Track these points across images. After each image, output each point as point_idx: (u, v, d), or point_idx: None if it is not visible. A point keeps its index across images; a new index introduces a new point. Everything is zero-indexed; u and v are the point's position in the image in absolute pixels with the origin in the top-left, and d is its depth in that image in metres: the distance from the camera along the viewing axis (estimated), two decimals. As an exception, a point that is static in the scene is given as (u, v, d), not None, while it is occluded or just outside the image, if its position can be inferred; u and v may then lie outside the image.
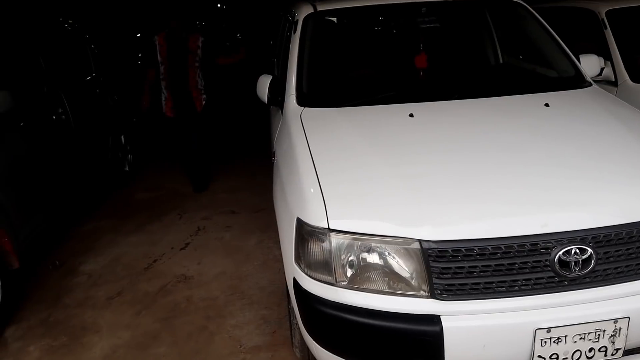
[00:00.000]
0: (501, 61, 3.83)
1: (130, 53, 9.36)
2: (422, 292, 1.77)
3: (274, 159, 2.77)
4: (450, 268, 1.73)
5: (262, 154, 6.08)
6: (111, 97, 5.29)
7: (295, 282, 1.99)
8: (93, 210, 4.79)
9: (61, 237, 4.24)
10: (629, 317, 1.74)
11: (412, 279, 1.77)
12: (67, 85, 4.34)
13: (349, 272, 1.83)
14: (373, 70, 3.21)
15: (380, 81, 3.05)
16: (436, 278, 1.74)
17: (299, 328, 2.20)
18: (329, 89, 2.93)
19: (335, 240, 1.82)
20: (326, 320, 1.86)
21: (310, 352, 2.22)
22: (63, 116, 4.07)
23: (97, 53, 5.26)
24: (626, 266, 1.79)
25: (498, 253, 1.72)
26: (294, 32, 3.05)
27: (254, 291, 3.24)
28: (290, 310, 2.46)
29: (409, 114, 2.41)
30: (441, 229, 1.75)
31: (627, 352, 1.84)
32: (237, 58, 5.61)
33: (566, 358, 1.76)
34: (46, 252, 3.99)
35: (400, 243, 1.77)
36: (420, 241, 1.74)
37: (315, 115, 2.56)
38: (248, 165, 5.84)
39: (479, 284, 1.74)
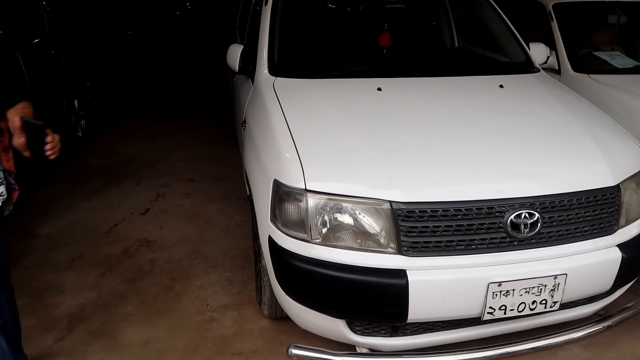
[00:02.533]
0: (457, 44, 4.05)
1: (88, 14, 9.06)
2: (389, 249, 1.95)
3: (244, 126, 2.87)
4: (416, 227, 1.92)
5: (215, 121, 6.16)
6: (66, 60, 5.17)
7: (270, 239, 2.12)
8: (46, 176, 4.71)
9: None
10: (566, 274, 1.99)
11: (382, 237, 1.95)
12: (22, 44, 4.23)
13: (323, 230, 1.98)
14: (341, 46, 3.34)
15: (348, 56, 3.19)
16: (404, 236, 1.92)
17: (269, 286, 2.34)
18: (300, 61, 3.04)
19: (311, 200, 1.97)
20: (300, 274, 2.02)
21: (279, 309, 2.38)
22: (19, 75, 3.98)
23: (51, 12, 5.11)
24: (566, 230, 2.03)
25: (459, 215, 1.92)
26: (265, 3, 3.13)
27: (217, 255, 3.35)
28: (259, 270, 2.60)
29: (377, 87, 2.56)
30: (410, 192, 1.92)
31: (563, 306, 2.10)
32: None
33: (512, 309, 1.99)
34: None
35: (372, 204, 1.93)
36: (390, 202, 1.91)
37: (288, 85, 2.67)
38: (204, 134, 5.87)
39: (441, 242, 1.93)
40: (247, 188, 3.06)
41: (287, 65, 2.90)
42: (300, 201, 1.98)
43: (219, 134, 5.85)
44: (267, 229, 2.14)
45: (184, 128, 6.17)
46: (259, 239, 2.37)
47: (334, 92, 2.57)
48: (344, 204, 1.96)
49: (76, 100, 5.41)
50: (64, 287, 3.04)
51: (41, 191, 4.38)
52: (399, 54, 3.29)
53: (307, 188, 1.97)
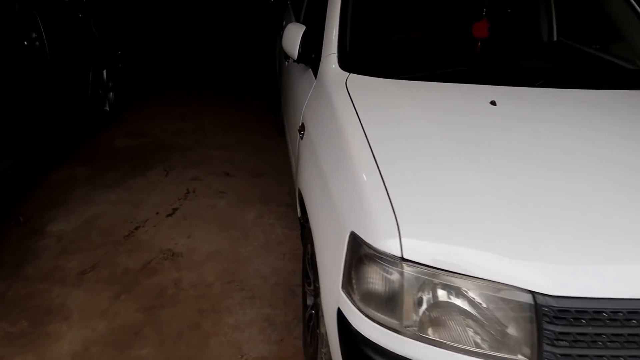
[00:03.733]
0: (556, 39, 3.31)
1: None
2: (521, 357, 1.31)
3: (301, 134, 2.23)
4: (569, 334, 1.27)
5: (257, 102, 5.54)
6: (96, 24, 4.58)
7: (340, 315, 1.50)
8: (67, 154, 4.19)
9: (29, 183, 3.66)
10: None
11: (512, 340, 1.31)
12: (44, 4, 3.64)
13: (423, 318, 1.35)
14: (427, 33, 2.65)
15: (439, 49, 2.50)
16: (548, 344, 1.27)
17: (329, 360, 1.73)
18: (380, 52, 2.37)
19: (409, 272, 1.34)
20: (383, 377, 1.40)
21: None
22: (37, 42, 3.41)
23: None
24: None
25: (634, 319, 1.26)
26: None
27: (255, 281, 2.76)
28: (312, 327, 2.00)
29: (490, 101, 1.89)
30: (565, 279, 1.27)
31: None
32: None
33: None
34: (11, 201, 3.41)
35: (503, 291, 1.29)
36: (533, 293, 1.26)
37: (367, 86, 2.02)
38: (243, 118, 5.26)
39: (602, 357, 1.28)
40: (298, 209, 2.44)
41: (364, 57, 2.25)
42: (391, 273, 1.35)
43: (260, 118, 5.23)
44: (336, 297, 1.52)
45: (222, 107, 5.58)
46: (318, 295, 1.76)
47: (431, 105, 1.90)
48: (458, 284, 1.33)
49: (105, 70, 4.84)
50: (70, 310, 2.50)
51: (60, 174, 3.86)
52: (501, 50, 2.58)
53: (404, 256, 1.33)
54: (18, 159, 3.24)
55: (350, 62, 2.16)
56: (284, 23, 4.17)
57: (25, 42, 3.24)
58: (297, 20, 3.41)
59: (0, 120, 2.99)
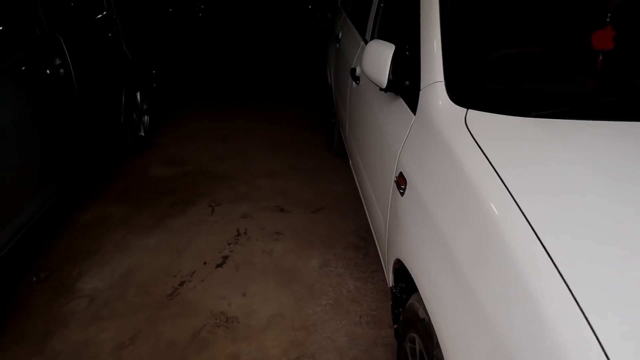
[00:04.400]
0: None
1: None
2: None
3: (402, 189, 1.69)
4: None
5: (302, 118, 5.03)
6: (127, 43, 4.14)
7: None
8: (99, 188, 3.75)
9: (55, 227, 3.22)
10: None
11: None
12: (68, 26, 3.21)
13: None
14: (543, 48, 2.07)
15: (573, 69, 1.92)
16: None
17: None
18: (501, 78, 1.81)
19: None
20: None
21: None
22: (61, 69, 2.96)
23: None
24: None
25: None
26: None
27: (329, 355, 2.23)
28: None
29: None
30: None
31: None
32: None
33: None
34: (34, 251, 2.98)
35: None
36: None
37: (498, 130, 1.46)
38: (289, 137, 4.75)
39: None
40: (389, 279, 1.91)
41: (482, 85, 1.70)
42: None
43: (309, 137, 4.72)
44: None
45: (264, 125, 5.09)
46: None
47: (604, 159, 1.33)
48: None
49: (139, 92, 4.39)
50: (105, 404, 2.02)
51: (91, 213, 3.41)
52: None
53: None
54: (40, 203, 2.79)
55: (465, 94, 1.61)
56: (338, 34, 3.65)
57: (48, 71, 2.79)
58: (362, 33, 2.88)
59: (16, 161, 2.54)
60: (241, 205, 3.52)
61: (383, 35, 2.52)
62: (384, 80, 1.81)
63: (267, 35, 10.05)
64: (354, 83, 2.69)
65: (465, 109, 1.55)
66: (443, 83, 1.65)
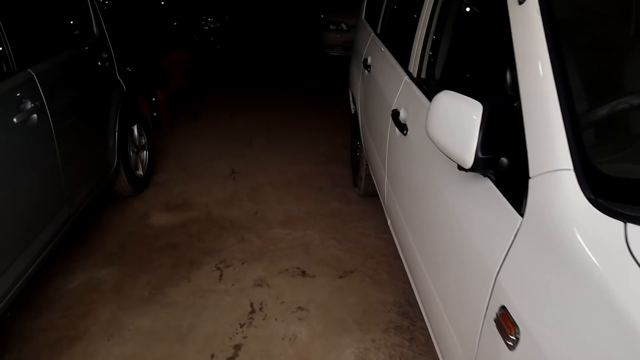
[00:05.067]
0: None
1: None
2: None
3: (512, 339, 1.10)
4: None
5: (316, 147, 4.37)
6: (122, 71, 3.60)
7: None
8: (88, 242, 3.19)
9: (34, 299, 2.67)
10: None
11: None
12: (45, 59, 2.66)
13: None
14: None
15: None
16: None
17: None
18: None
19: None
20: None
21: None
22: (34, 115, 2.41)
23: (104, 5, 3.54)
24: None
25: None
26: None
27: None
28: None
29: None
30: None
31: None
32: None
33: None
34: (6, 333, 2.42)
35: None
36: None
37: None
38: (305, 172, 4.18)
39: None
40: None
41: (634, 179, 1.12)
42: None
43: (327, 171, 4.15)
44: None
45: (277, 158, 4.51)
46: None
47: None
48: None
49: (135, 126, 3.84)
50: None
51: (77, 278, 2.88)
52: None
53: None
54: (16, 273, 2.23)
55: (620, 194, 1.03)
56: (367, 58, 3.07)
57: (16, 119, 2.24)
58: (404, 64, 2.29)
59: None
60: (255, 266, 2.95)
61: (444, 74, 1.95)
62: (468, 158, 1.23)
63: (276, 50, 9.52)
64: (397, 131, 2.11)
65: (623, 222, 0.96)
66: (572, 172, 1.06)
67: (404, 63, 2.31)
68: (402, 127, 2.03)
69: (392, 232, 2.45)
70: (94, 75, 3.21)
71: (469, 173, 1.37)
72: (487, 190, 1.31)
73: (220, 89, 6.85)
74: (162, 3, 7.91)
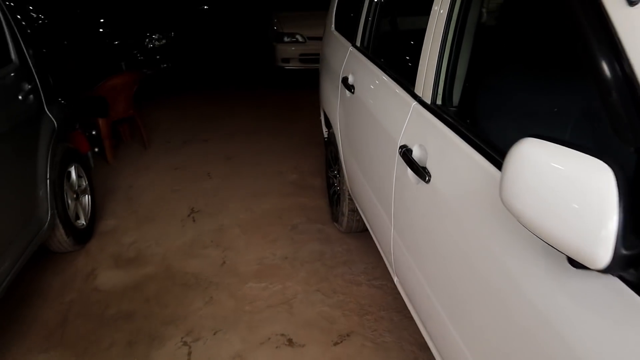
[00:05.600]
0: None
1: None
2: None
3: None
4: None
5: (285, 173, 3.78)
6: (51, 103, 3.01)
7: None
8: (19, 317, 2.58)
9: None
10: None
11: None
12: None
13: None
14: None
15: None
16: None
17: None
18: None
19: None
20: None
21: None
22: None
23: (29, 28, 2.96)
24: None
25: None
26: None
27: None
28: None
29: None
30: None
31: None
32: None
33: None
34: None
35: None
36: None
37: None
38: (276, 206, 3.68)
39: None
40: None
41: None
42: None
43: (301, 203, 3.66)
44: None
45: (242, 186, 3.98)
46: None
47: None
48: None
49: (74, 167, 3.25)
50: None
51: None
52: None
53: None
54: None
55: None
56: (347, 76, 2.60)
57: None
58: (409, 88, 1.83)
59: None
60: (230, 337, 2.42)
61: (469, 100, 1.51)
62: (600, 254, 0.78)
63: (228, 67, 8.98)
64: (410, 174, 1.65)
65: None
66: None
67: (408, 85, 1.86)
68: (422, 172, 1.57)
69: (406, 301, 1.97)
70: (13, 111, 2.62)
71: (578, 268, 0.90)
72: (616, 296, 0.85)
73: (171, 112, 6.25)
74: (102, 21, 7.26)
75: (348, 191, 2.94)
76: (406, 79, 1.90)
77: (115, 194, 4.00)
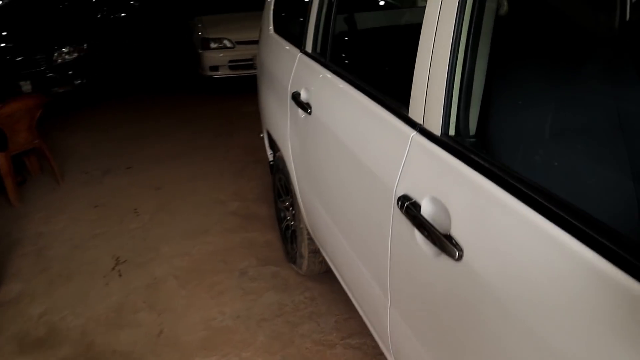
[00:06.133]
0: None
1: None
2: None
3: None
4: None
5: (232, 203, 3.21)
6: None
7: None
8: None
9: None
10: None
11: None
12: None
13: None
14: None
15: None
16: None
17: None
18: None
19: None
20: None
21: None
22: None
23: None
24: None
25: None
26: None
27: None
28: None
29: None
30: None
31: None
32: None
33: None
34: None
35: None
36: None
37: None
38: (225, 244, 3.09)
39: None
40: None
41: None
42: None
43: (248, 239, 3.10)
44: None
45: (176, 222, 3.36)
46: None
47: None
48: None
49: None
50: None
51: None
52: None
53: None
54: None
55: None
56: (299, 92, 2.07)
57: None
58: (401, 114, 1.32)
59: None
60: None
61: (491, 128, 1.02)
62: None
63: (150, 78, 8.21)
64: (422, 241, 1.15)
65: None
66: None
67: (398, 107, 1.34)
68: (444, 242, 1.05)
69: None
70: None
71: None
72: None
73: (88, 135, 5.48)
74: (4, 34, 6.39)
75: (307, 230, 2.41)
76: (395, 99, 1.38)
77: (21, 247, 3.28)
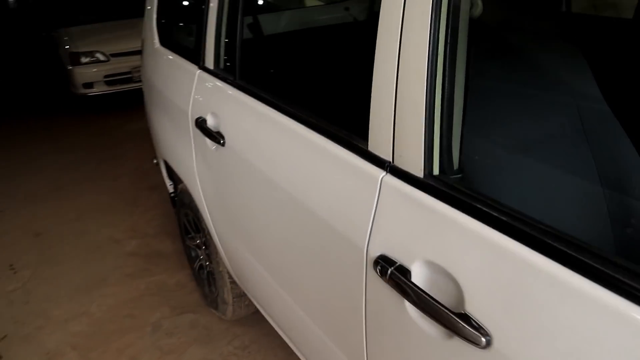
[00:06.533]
0: None
1: None
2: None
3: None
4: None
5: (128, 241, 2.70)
6: None
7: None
8: None
9: None
10: None
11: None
12: None
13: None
14: None
15: None
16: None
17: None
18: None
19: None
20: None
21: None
22: None
23: None
24: None
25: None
26: None
27: None
28: None
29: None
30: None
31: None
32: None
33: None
34: None
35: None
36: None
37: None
38: (129, 295, 2.64)
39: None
40: None
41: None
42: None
43: (156, 283, 2.71)
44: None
45: (65, 274, 2.85)
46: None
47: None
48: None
49: None
50: None
51: None
52: None
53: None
54: None
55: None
56: (206, 119, 1.73)
57: None
58: (354, 137, 1.04)
59: None
60: None
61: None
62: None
63: (9, 98, 7.26)
64: (419, 320, 0.86)
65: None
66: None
67: (350, 137, 1.06)
68: (452, 319, 0.79)
69: None
70: None
71: None
72: None
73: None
74: None
75: (230, 273, 2.06)
76: (343, 127, 1.09)
77: None
